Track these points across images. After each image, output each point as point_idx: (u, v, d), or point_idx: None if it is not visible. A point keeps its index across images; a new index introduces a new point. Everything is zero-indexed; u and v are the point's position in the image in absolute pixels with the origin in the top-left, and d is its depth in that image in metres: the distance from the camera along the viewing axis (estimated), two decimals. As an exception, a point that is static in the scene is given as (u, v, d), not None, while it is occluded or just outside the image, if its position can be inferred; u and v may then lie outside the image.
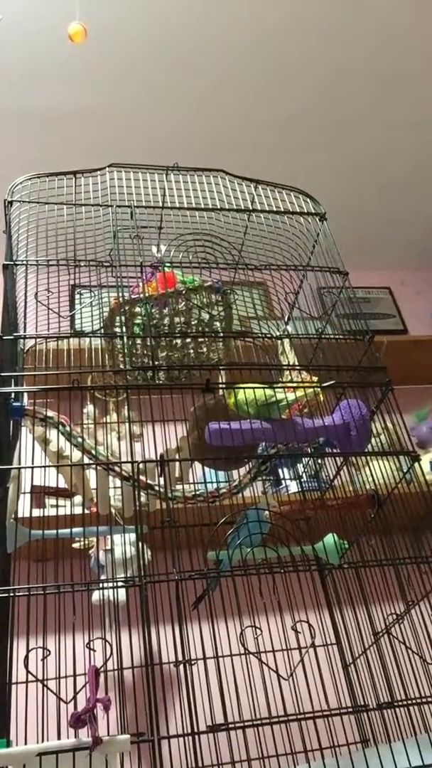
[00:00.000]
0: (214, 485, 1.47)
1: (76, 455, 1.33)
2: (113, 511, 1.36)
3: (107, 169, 1.48)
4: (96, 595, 1.35)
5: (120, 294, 1.36)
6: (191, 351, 1.53)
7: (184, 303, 1.45)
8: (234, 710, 1.04)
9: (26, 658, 0.95)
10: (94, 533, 1.42)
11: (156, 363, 1.46)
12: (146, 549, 1.40)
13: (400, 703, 1.09)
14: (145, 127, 2.40)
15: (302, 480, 1.74)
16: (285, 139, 2.52)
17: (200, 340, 1.52)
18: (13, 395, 1.28)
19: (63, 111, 2.31)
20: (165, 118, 2.39)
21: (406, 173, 2.73)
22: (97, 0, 2.03)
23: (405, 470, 1.22)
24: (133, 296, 1.42)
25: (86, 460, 1.32)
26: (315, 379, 1.34)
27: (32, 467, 1.22)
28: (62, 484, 1.39)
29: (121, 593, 1.33)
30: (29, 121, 2.33)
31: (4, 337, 1.29)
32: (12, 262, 1.39)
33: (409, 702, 1.07)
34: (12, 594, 1.07)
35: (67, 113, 2.32)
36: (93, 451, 1.33)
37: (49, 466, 1.29)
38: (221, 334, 1.51)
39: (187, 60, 2.24)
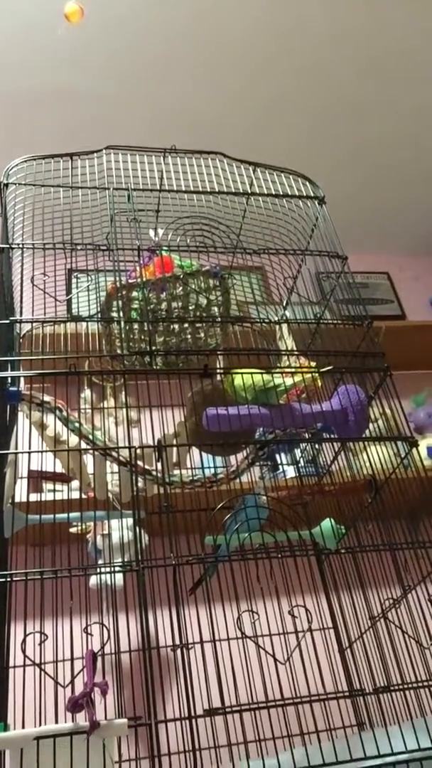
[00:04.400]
0: (212, 470, 1.47)
1: (74, 440, 1.33)
2: (111, 496, 1.36)
3: (104, 151, 1.47)
4: (93, 580, 1.35)
5: (117, 278, 1.35)
6: (189, 336, 1.52)
7: (181, 287, 1.44)
8: (231, 694, 1.05)
9: (24, 642, 0.95)
10: (92, 518, 1.42)
11: (153, 348, 1.46)
12: (143, 534, 1.40)
13: (396, 687, 1.09)
14: (142, 108, 2.37)
15: (300, 465, 1.74)
16: (284, 122, 2.50)
17: (198, 325, 1.51)
18: (9, 380, 1.28)
19: (60, 92, 2.28)
20: (162, 100, 2.36)
21: (406, 158, 2.71)
22: (93, -21, 2.00)
23: (402, 456, 1.22)
24: (130, 280, 1.41)
25: (83, 445, 1.32)
26: (313, 364, 1.34)
27: (29, 452, 1.21)
28: (59, 469, 1.39)
29: (119, 578, 1.34)
30: (25, 102, 2.30)
31: (1, 322, 1.28)
32: (8, 246, 1.38)
33: (406, 686, 1.08)
34: (9, 579, 1.07)
35: (64, 94, 2.29)
36: (90, 436, 1.32)
37: (46, 451, 1.29)
38: (219, 319, 1.50)
39: (184, 40, 2.21)
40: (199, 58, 2.26)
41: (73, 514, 1.39)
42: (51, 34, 2.09)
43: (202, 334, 1.54)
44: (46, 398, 1.32)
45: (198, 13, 2.15)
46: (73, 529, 1.48)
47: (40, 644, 0.94)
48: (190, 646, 1.06)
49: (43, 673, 0.93)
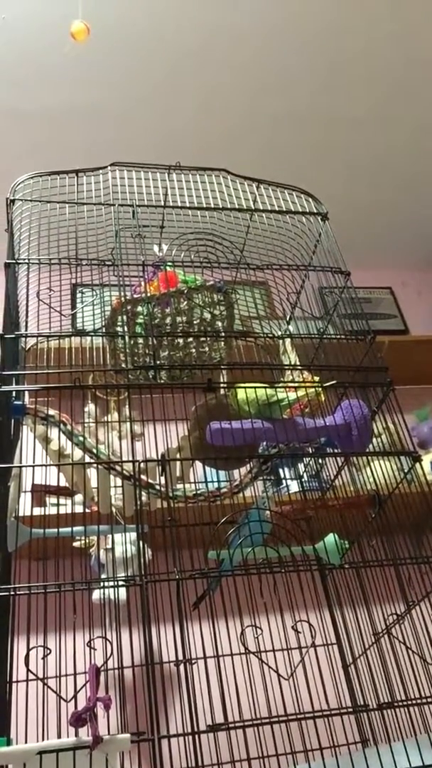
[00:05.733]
0: (215, 485, 1.47)
1: (77, 454, 1.33)
2: (114, 510, 1.36)
3: (109, 167, 1.48)
4: (96, 594, 1.35)
5: (122, 293, 1.36)
6: (193, 350, 1.53)
7: (185, 302, 1.45)
8: (234, 710, 1.04)
9: (27, 656, 0.95)
10: (95, 532, 1.42)
11: (157, 362, 1.46)
12: (147, 548, 1.40)
13: (400, 704, 1.09)
14: (147, 125, 2.40)
15: (303, 480, 1.74)
16: (287, 138, 2.52)
17: (202, 339, 1.52)
18: (14, 394, 1.28)
19: (65, 109, 2.31)
20: (167, 117, 2.39)
21: (409, 174, 2.73)
22: (99, -1, 2.03)
23: (406, 470, 1.22)
24: (135, 295, 1.42)
25: (87, 459, 1.32)
26: (316, 378, 1.34)
27: (33, 466, 1.22)
28: (63, 483, 1.39)
29: (122, 592, 1.33)
30: (31, 120, 2.33)
31: (6, 336, 1.29)
32: (14, 261, 1.39)
33: (410, 702, 1.07)
34: (13, 593, 1.07)
35: (70, 112, 2.32)
36: (94, 450, 1.33)
37: (50, 465, 1.29)
38: (223, 334, 1.51)
39: (189, 58, 2.24)
40: (204, 75, 2.29)
41: (76, 528, 1.39)
42: (57, 52, 2.12)
43: (206, 349, 1.55)
44: (51, 412, 1.32)
45: (203, 32, 2.17)
46: (76, 543, 1.48)
47: (43, 658, 0.94)
48: (193, 661, 1.05)
49: (46, 687, 0.93)
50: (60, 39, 1.98)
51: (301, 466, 1.80)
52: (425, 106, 2.50)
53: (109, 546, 1.45)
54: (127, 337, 1.39)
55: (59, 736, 0.90)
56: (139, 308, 1.42)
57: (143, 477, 1.31)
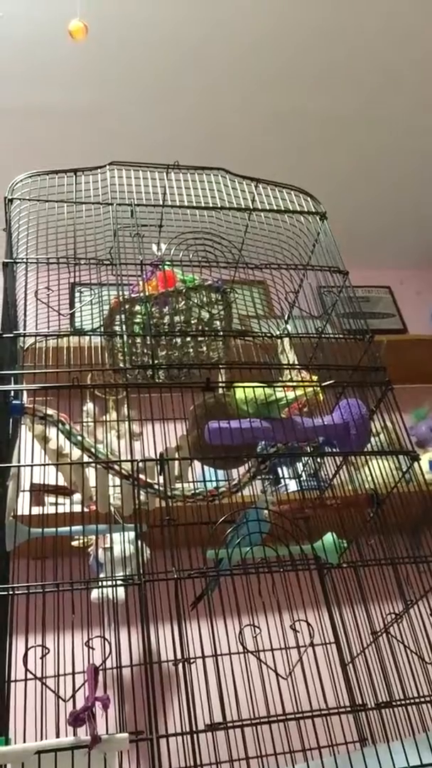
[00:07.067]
0: (214, 484, 1.47)
1: (76, 453, 1.33)
2: (112, 509, 1.36)
3: (108, 167, 1.48)
4: (95, 594, 1.35)
5: (120, 292, 1.35)
6: (191, 350, 1.53)
7: (184, 302, 1.45)
8: (233, 709, 1.04)
9: (25, 656, 0.95)
10: (94, 531, 1.42)
11: (156, 362, 1.46)
12: (145, 547, 1.39)
13: (398, 703, 1.09)
14: (145, 124, 2.39)
15: (301, 479, 1.74)
16: (286, 137, 2.52)
17: (200, 338, 1.52)
18: (12, 393, 1.28)
19: (64, 108, 2.31)
20: (165, 116, 2.38)
21: (407, 173, 2.73)
22: (98, -3, 2.03)
23: (404, 470, 1.22)
24: (133, 295, 1.42)
25: (86, 459, 1.32)
26: (315, 378, 1.34)
27: (32, 465, 1.21)
28: (62, 482, 1.39)
29: (120, 592, 1.34)
30: (30, 119, 2.32)
31: (4, 335, 1.28)
32: (12, 260, 1.39)
33: (408, 701, 1.07)
34: (11, 592, 1.07)
35: (68, 111, 2.31)
36: (92, 450, 1.33)
37: (48, 465, 1.29)
38: (221, 333, 1.51)
39: (187, 57, 2.23)
40: (202, 74, 2.29)
41: (75, 528, 1.39)
42: (56, 50, 2.12)
43: (204, 348, 1.54)
44: (49, 411, 1.32)
45: (202, 30, 2.17)
46: (74, 543, 1.48)
47: (41, 658, 0.94)
48: (191, 660, 1.05)
49: (44, 687, 0.93)
50: (58, 37, 1.98)
51: (299, 466, 1.80)
52: (424, 104, 2.50)
53: (108, 545, 1.45)
54: (125, 337, 1.39)
55: (57, 736, 0.90)
56: (138, 307, 1.42)
57: (142, 476, 1.31)
